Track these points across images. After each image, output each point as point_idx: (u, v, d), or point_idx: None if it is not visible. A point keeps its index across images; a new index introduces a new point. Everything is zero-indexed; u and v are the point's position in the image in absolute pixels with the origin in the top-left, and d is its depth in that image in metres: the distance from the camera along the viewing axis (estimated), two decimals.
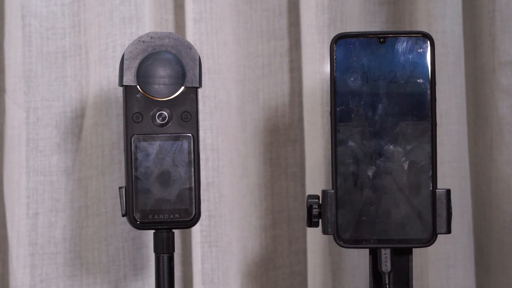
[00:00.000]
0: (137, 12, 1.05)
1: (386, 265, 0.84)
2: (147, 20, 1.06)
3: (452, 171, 1.06)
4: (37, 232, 1.07)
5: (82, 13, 1.08)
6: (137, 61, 0.82)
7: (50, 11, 1.08)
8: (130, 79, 0.81)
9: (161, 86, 0.82)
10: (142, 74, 0.81)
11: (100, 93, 1.06)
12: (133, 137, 0.81)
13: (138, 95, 0.81)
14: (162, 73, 0.82)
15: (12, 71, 1.07)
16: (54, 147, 1.08)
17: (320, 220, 0.84)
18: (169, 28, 1.11)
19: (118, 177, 1.05)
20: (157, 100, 0.82)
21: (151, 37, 0.83)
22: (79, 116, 1.08)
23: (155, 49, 0.82)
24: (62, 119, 1.08)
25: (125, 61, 0.82)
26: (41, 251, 1.07)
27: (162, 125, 0.82)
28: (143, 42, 0.82)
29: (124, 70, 0.82)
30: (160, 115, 0.82)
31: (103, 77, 1.05)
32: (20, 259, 1.06)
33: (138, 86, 0.81)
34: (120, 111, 1.05)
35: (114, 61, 1.04)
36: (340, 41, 0.84)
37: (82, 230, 1.08)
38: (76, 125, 1.08)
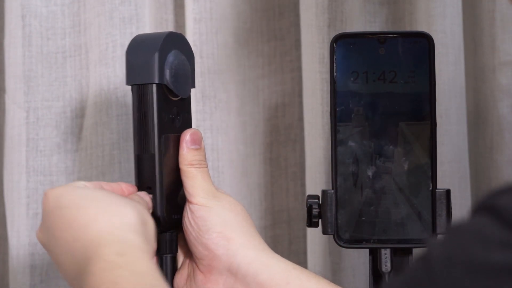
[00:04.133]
0: (137, 12, 1.05)
1: (386, 265, 0.84)
2: (147, 20, 1.06)
3: (452, 171, 1.06)
4: None
5: (82, 13, 1.08)
6: (164, 60, 0.80)
7: (50, 11, 1.08)
8: (161, 77, 0.80)
9: (181, 85, 0.81)
10: (169, 73, 0.80)
11: (100, 93, 1.06)
12: (164, 137, 0.80)
13: (162, 94, 0.80)
14: (181, 72, 0.81)
15: (12, 71, 1.07)
16: (54, 147, 1.08)
17: (320, 220, 0.85)
18: (169, 28, 1.11)
19: (118, 177, 1.05)
20: (173, 100, 0.81)
21: (172, 36, 0.82)
22: (79, 116, 1.08)
23: (174, 49, 0.81)
24: (62, 119, 1.08)
25: (158, 59, 0.80)
26: (41, 251, 1.07)
27: (176, 125, 0.82)
28: (168, 40, 0.81)
29: (158, 68, 0.79)
30: (177, 115, 0.82)
31: (103, 77, 1.05)
32: (20, 259, 1.06)
33: (165, 85, 0.80)
34: (120, 111, 1.04)
35: (114, 61, 1.04)
36: (340, 41, 0.84)
37: None
38: (76, 125, 1.08)
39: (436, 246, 0.52)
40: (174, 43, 0.81)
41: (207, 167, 0.82)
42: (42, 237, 0.75)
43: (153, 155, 0.80)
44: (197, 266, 0.80)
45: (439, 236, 0.53)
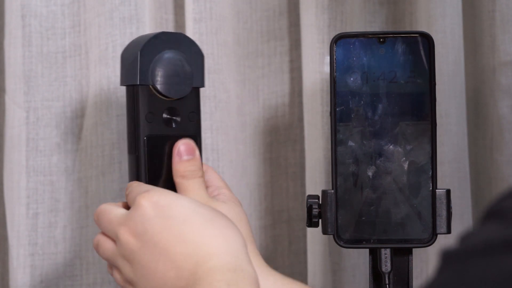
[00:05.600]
0: (137, 12, 1.05)
1: (386, 265, 0.84)
2: (147, 20, 1.06)
3: (452, 171, 1.06)
4: (37, 232, 1.07)
5: (82, 13, 1.08)
6: (151, 60, 0.80)
7: (50, 11, 1.08)
8: (144, 78, 0.80)
9: (174, 86, 0.81)
10: (157, 73, 0.80)
11: (100, 93, 1.06)
12: (147, 137, 0.80)
13: (149, 95, 0.80)
14: (173, 73, 0.81)
15: (12, 71, 1.07)
16: (54, 147, 1.08)
17: (320, 220, 0.85)
18: (169, 28, 1.11)
19: (118, 177, 1.05)
20: (166, 100, 0.81)
21: (164, 36, 0.82)
22: (79, 116, 1.08)
23: (167, 48, 0.81)
24: (62, 119, 1.08)
25: (140, 60, 0.80)
26: (41, 251, 1.07)
27: (171, 126, 0.82)
28: (156, 41, 0.81)
29: (139, 69, 0.80)
30: (171, 115, 0.82)
31: (103, 77, 1.05)
32: (20, 259, 1.06)
33: (151, 86, 0.80)
34: (120, 111, 1.04)
35: (114, 61, 1.04)
36: (340, 41, 0.84)
37: (82, 230, 1.08)
38: (76, 125, 1.08)
39: (447, 259, 0.52)
40: (169, 43, 0.81)
41: (201, 176, 0.81)
42: (132, 242, 0.72)
43: (138, 156, 0.80)
44: None
45: (448, 248, 0.52)
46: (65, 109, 1.08)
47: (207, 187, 0.83)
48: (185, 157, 0.80)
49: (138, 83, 0.80)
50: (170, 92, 0.81)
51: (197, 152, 0.81)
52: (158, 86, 0.80)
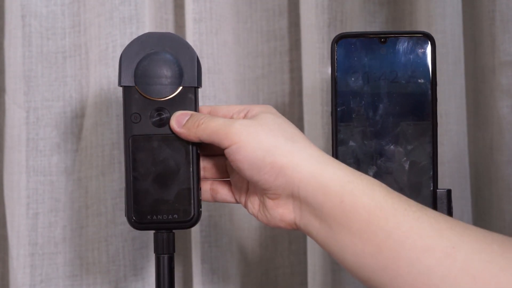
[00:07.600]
0: (137, 12, 1.05)
1: None
2: (147, 20, 1.06)
3: (452, 171, 1.06)
4: (37, 232, 1.07)
5: (82, 13, 1.08)
6: (135, 62, 0.82)
7: (50, 11, 1.08)
8: (128, 79, 0.82)
9: (158, 86, 0.82)
10: (140, 74, 0.82)
11: (100, 93, 1.06)
12: (131, 138, 0.81)
13: (136, 96, 0.82)
14: (159, 73, 0.82)
15: (12, 71, 1.07)
16: (54, 147, 1.08)
17: None
18: (169, 28, 1.11)
19: (118, 177, 1.05)
20: (155, 100, 0.82)
21: (149, 37, 0.83)
22: (79, 116, 1.08)
23: (153, 49, 0.82)
24: (62, 119, 1.08)
25: (123, 62, 0.82)
26: (41, 251, 1.07)
27: (160, 125, 0.82)
28: (141, 42, 0.82)
29: (122, 71, 0.82)
30: (159, 115, 0.82)
31: (103, 77, 1.05)
32: (20, 259, 1.06)
33: (136, 87, 0.82)
34: (120, 111, 1.05)
35: (114, 61, 1.04)
36: (341, 41, 0.84)
37: (82, 230, 1.08)
38: (76, 125, 1.08)
39: None
40: (155, 44, 0.82)
41: (212, 116, 0.81)
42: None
43: (125, 155, 0.81)
44: (265, 194, 0.79)
45: None
46: (65, 109, 1.08)
47: (231, 115, 0.83)
48: (183, 120, 0.81)
49: (121, 84, 0.82)
50: (153, 92, 0.82)
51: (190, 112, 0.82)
52: (141, 87, 0.81)
